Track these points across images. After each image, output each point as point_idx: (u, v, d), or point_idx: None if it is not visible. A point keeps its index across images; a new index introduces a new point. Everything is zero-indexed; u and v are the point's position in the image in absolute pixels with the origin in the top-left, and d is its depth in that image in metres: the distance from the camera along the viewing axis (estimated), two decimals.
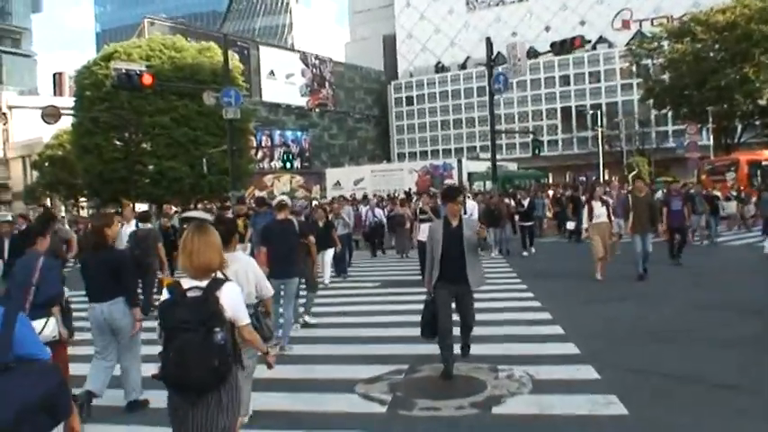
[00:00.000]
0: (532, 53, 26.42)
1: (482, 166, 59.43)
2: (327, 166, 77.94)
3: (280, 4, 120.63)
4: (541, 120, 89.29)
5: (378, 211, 22.85)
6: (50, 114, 32.65)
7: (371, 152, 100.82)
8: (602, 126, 55.40)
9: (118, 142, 40.13)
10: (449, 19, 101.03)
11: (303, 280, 9.75)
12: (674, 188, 17.57)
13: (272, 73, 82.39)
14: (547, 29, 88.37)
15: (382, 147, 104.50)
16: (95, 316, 6.17)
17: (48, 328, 6.00)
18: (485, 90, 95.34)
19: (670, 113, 78.92)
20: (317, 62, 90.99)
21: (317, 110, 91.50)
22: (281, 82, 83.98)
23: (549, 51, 28.64)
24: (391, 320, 10.19)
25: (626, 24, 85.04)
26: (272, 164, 72.49)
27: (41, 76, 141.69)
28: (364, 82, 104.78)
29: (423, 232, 12.47)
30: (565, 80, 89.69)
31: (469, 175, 55.83)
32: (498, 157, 76.63)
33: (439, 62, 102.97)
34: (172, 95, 40.49)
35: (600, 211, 13.60)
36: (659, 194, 22.21)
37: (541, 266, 16.25)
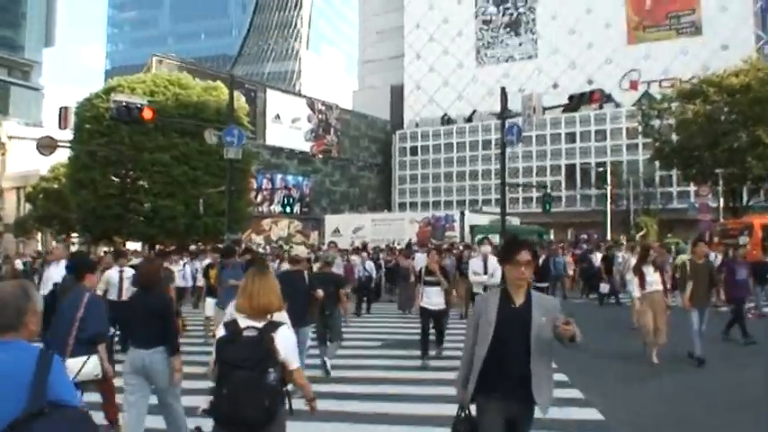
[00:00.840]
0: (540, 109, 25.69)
1: (484, 219, 58.80)
2: (327, 212, 76.63)
3: (290, 51, 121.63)
4: (545, 176, 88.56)
5: (369, 264, 21.47)
6: (46, 146, 31.72)
7: (373, 201, 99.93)
8: (609, 184, 54.30)
9: (114, 178, 39.01)
10: (458, 72, 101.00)
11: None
12: (739, 254, 15.97)
13: (277, 117, 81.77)
14: (555, 86, 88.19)
15: (384, 195, 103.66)
16: (134, 361, 6.03)
17: (88, 365, 5.91)
18: (490, 143, 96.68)
19: (675, 174, 79.33)
20: (323, 108, 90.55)
21: (320, 156, 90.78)
22: (287, 126, 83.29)
23: (562, 105, 27.64)
24: (400, 392, 8.93)
25: (633, 85, 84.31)
26: (272, 208, 71.56)
27: (49, 110, 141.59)
28: (369, 130, 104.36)
29: (427, 296, 11.51)
30: (571, 137, 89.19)
31: (471, 228, 54.76)
32: (499, 211, 76.03)
33: (445, 114, 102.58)
34: (173, 133, 39.58)
35: (653, 277, 11.48)
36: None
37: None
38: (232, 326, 4.08)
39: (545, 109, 27.45)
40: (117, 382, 6.57)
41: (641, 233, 48.69)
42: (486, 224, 56.98)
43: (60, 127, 29.24)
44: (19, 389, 2.67)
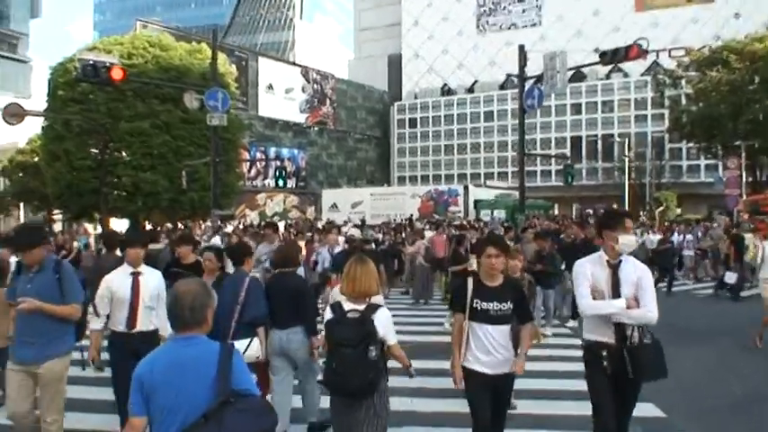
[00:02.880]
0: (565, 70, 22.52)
1: (490, 194, 56.60)
2: (324, 186, 74.31)
3: (283, 21, 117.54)
4: (549, 148, 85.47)
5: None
6: (13, 114, 28.35)
7: (371, 174, 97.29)
8: (627, 156, 50.97)
9: (93, 150, 35.83)
10: (458, 40, 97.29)
11: None
12: None
13: (270, 87, 78.41)
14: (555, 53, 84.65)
15: (382, 169, 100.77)
16: (273, 342, 6.29)
17: (251, 348, 6.09)
18: (492, 115, 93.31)
19: (684, 148, 76.52)
20: (318, 78, 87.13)
21: (315, 128, 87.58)
22: (280, 97, 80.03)
23: (593, 63, 24.44)
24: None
25: (641, 54, 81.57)
26: (266, 182, 68.52)
27: (38, 83, 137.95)
28: (367, 101, 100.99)
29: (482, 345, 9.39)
30: (576, 109, 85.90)
31: (476, 202, 52.89)
32: (503, 185, 73.47)
33: (445, 84, 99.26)
34: (154, 99, 36.37)
35: None
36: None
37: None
38: (338, 309, 4.69)
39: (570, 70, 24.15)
40: None
41: (660, 208, 45.85)
42: (491, 199, 54.91)
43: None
44: (206, 381, 3.02)
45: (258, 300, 6.22)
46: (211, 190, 25.24)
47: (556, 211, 54.46)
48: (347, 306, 4.66)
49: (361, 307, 4.62)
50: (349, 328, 4.51)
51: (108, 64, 20.87)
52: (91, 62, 20.67)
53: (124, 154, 35.96)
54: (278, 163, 34.03)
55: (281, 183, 27.26)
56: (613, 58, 20.66)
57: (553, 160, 79.72)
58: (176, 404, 3.00)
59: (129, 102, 35.98)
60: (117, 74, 20.69)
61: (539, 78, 23.41)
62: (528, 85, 24.51)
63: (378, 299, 5.07)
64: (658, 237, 22.31)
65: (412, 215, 46.17)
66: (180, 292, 3.19)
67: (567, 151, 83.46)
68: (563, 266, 12.28)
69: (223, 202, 38.75)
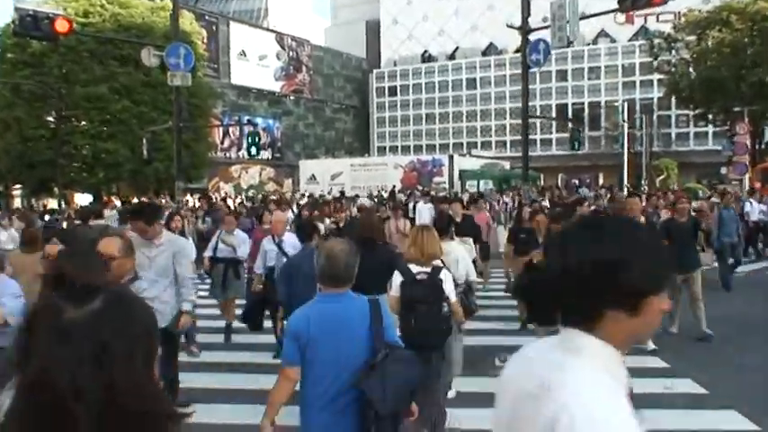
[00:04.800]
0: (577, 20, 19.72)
1: (475, 164, 55.11)
2: (301, 157, 71.62)
3: None
4: (531, 119, 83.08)
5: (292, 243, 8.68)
6: None
7: (350, 145, 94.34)
8: (626, 122, 48.40)
9: (47, 118, 32.77)
10: (438, 5, 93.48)
11: None
12: None
13: (243, 53, 75.05)
14: (544, 20, 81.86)
15: (361, 139, 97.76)
16: None
17: None
18: (474, 82, 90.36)
19: (673, 115, 74.48)
20: (293, 44, 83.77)
21: (291, 96, 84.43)
22: (254, 64, 76.73)
23: (611, 11, 21.81)
24: None
25: (629, 19, 79.20)
26: (240, 153, 65.59)
27: None
28: (344, 69, 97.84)
29: None
30: (562, 75, 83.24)
31: (461, 173, 51.18)
32: (489, 154, 71.04)
33: (426, 51, 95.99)
34: (113, 61, 33.55)
35: None
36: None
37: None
38: (408, 272, 5.23)
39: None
40: None
41: (661, 177, 43.59)
42: (477, 169, 53.54)
43: None
44: (362, 334, 3.32)
45: None
46: (175, 159, 22.30)
47: (542, 182, 52.76)
48: (415, 269, 5.25)
49: (428, 269, 5.24)
50: (423, 288, 5.14)
51: (51, 15, 18.24)
52: (30, 13, 17.94)
53: (83, 122, 33.03)
54: (250, 128, 31.04)
55: (253, 151, 24.40)
56: (635, 3, 17.77)
57: (538, 128, 77.43)
58: (335, 356, 3.26)
59: (85, 64, 33.41)
60: (62, 26, 17.97)
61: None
62: (533, 39, 21.64)
63: (439, 262, 5.59)
64: (762, 207, 18.18)
65: (395, 186, 44.28)
66: (336, 251, 3.48)
67: (553, 120, 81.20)
68: None
69: (192, 173, 36.00)
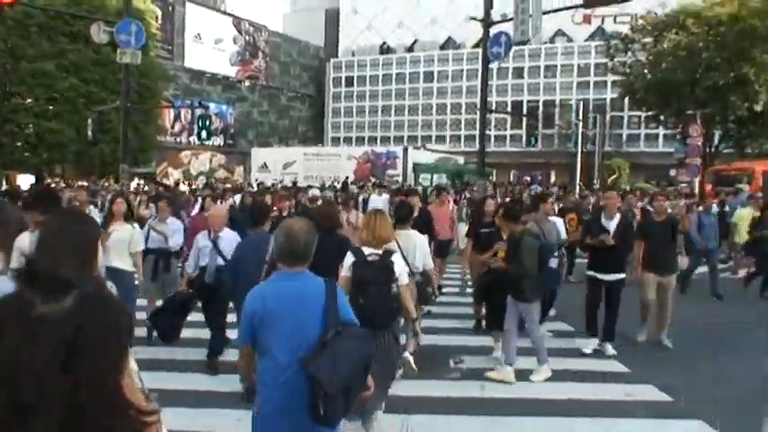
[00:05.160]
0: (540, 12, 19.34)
1: (429, 158, 55.11)
2: (253, 145, 70.27)
3: None
4: (490, 113, 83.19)
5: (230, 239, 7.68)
6: None
7: (304, 134, 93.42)
8: (580, 120, 48.56)
9: None
10: None
11: None
12: None
13: (198, 36, 73.47)
14: (503, 16, 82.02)
15: (316, 129, 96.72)
16: None
17: None
18: (432, 76, 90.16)
19: (626, 116, 75.39)
20: (251, 29, 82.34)
21: (246, 82, 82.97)
22: (209, 47, 75.20)
23: (575, 6, 21.57)
24: None
25: (587, 19, 79.82)
26: (191, 139, 64.17)
27: None
28: (301, 57, 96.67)
29: None
30: (518, 73, 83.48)
31: (415, 166, 50.96)
32: (443, 148, 70.94)
33: (384, 43, 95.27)
34: (62, 37, 32.12)
35: None
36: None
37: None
38: (360, 253, 5.31)
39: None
40: None
41: (613, 177, 43.85)
42: (431, 162, 53.54)
43: None
44: (317, 312, 3.36)
45: None
46: (122, 141, 21.44)
47: (494, 178, 53.05)
48: (367, 251, 5.33)
49: (380, 251, 5.33)
50: (374, 269, 5.21)
51: None
52: None
53: (27, 100, 31.70)
54: (201, 111, 30.13)
55: (204, 135, 23.66)
56: None
57: (493, 124, 77.57)
58: (292, 333, 3.31)
59: (33, 39, 31.97)
60: None
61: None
62: (494, 31, 21.30)
63: (392, 245, 5.92)
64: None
65: (347, 177, 43.98)
66: (295, 228, 3.52)
67: (508, 116, 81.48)
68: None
69: (140, 157, 34.87)
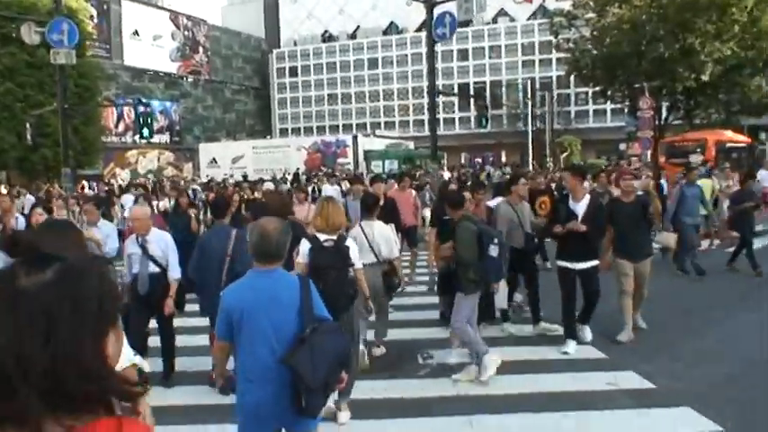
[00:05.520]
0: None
1: (379, 144, 55.07)
2: (201, 141, 69.40)
3: None
4: (437, 96, 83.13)
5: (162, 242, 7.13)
6: None
7: (251, 127, 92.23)
8: (529, 99, 48.67)
9: None
10: None
11: None
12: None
13: (136, 33, 71.76)
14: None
15: (263, 121, 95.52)
16: None
17: None
18: (376, 62, 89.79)
19: (572, 93, 76.13)
20: (189, 24, 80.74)
21: (189, 78, 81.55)
22: (147, 44, 73.51)
23: None
24: None
25: None
26: (136, 138, 62.77)
27: None
28: (243, 49, 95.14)
29: None
30: (463, 55, 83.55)
31: (366, 153, 50.91)
32: (392, 134, 70.73)
33: (326, 31, 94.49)
34: None
35: None
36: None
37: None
38: (315, 240, 5.46)
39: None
40: None
41: (565, 154, 44.09)
42: (381, 149, 53.55)
43: None
44: (293, 308, 3.48)
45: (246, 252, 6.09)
46: (62, 144, 20.68)
47: (445, 161, 53.02)
48: (322, 237, 5.48)
49: (334, 237, 5.49)
50: (330, 254, 5.36)
51: None
52: None
53: None
54: (142, 108, 29.34)
55: (146, 132, 22.91)
56: None
57: (441, 107, 77.56)
58: (268, 329, 3.43)
59: None
60: None
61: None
62: (438, 12, 21.07)
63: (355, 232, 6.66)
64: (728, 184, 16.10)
65: (298, 169, 44.11)
66: (269, 229, 3.59)
67: (455, 99, 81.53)
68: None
69: (83, 159, 33.94)
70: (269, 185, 16.94)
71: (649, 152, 32.27)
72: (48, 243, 2.34)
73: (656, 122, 42.08)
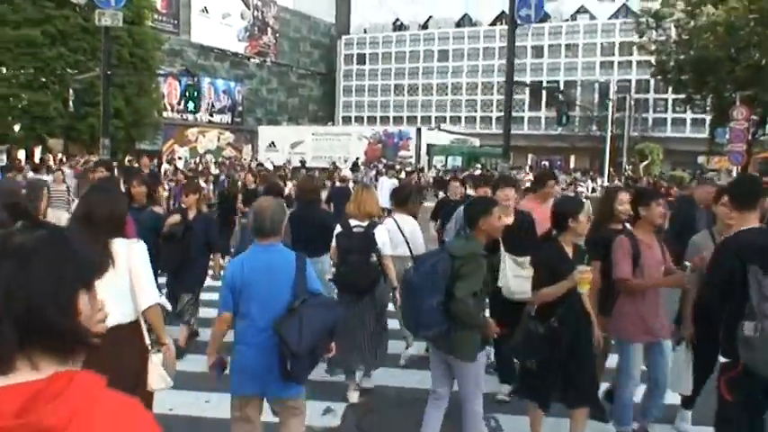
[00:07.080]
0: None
1: (444, 139, 53.37)
2: (262, 123, 68.77)
3: None
4: (492, 94, 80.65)
5: None
6: None
7: (314, 113, 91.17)
8: (611, 100, 45.60)
9: None
10: None
11: None
12: None
13: (205, 9, 71.11)
14: None
15: (326, 108, 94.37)
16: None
17: None
18: (447, 54, 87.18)
19: (651, 99, 72.39)
20: (259, 4, 79.86)
21: (255, 59, 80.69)
22: (216, 22, 72.86)
23: None
24: None
25: None
26: (199, 116, 61.92)
27: None
28: (312, 33, 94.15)
29: None
30: (537, 51, 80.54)
31: (429, 147, 49.59)
32: (458, 129, 68.49)
33: (397, 20, 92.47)
34: (48, 2, 29.71)
35: None
36: None
37: None
38: (347, 225, 5.74)
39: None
40: None
41: (645, 162, 41.10)
42: (446, 144, 51.88)
43: None
44: (289, 281, 3.73)
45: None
46: (102, 111, 19.09)
47: (511, 161, 50.60)
48: (353, 223, 5.73)
49: (365, 224, 5.71)
50: (357, 239, 5.60)
51: None
52: None
53: (8, 69, 29.40)
54: (189, 81, 27.81)
55: (191, 106, 21.38)
56: None
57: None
58: (263, 298, 3.72)
59: (15, 4, 29.57)
60: None
61: None
62: None
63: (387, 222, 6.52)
64: None
65: (358, 158, 42.68)
66: (263, 206, 3.89)
67: (526, 97, 78.59)
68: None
69: (135, 132, 32.60)
70: (347, 174, 16.37)
71: (739, 168, 29.42)
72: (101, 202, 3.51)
73: (750, 136, 39.01)
